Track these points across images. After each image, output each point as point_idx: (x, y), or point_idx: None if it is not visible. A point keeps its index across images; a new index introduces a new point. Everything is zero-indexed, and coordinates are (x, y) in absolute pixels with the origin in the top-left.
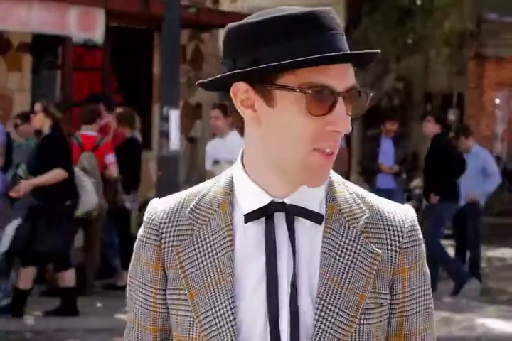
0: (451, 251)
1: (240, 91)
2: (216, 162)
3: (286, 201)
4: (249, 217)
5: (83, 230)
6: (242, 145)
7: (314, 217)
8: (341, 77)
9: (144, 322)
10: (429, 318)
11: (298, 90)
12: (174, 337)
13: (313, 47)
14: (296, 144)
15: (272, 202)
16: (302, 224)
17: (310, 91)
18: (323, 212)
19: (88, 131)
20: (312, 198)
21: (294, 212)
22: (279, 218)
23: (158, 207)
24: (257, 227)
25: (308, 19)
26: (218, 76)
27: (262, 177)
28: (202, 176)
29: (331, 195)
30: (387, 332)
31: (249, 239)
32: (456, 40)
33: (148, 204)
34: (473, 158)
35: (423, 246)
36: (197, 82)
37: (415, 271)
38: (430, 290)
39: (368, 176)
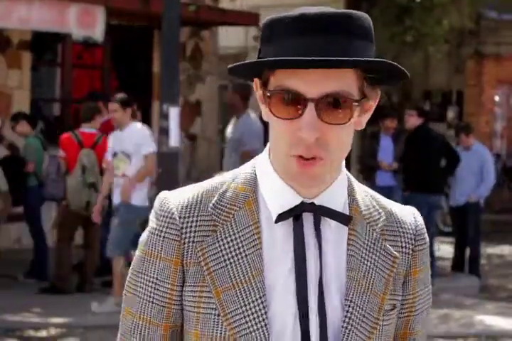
0: (451, 249)
1: (255, 88)
2: (114, 154)
3: (316, 202)
4: (281, 217)
5: (83, 228)
6: (139, 138)
7: (340, 218)
8: (316, 83)
9: (154, 318)
10: (428, 315)
11: (267, 93)
12: (191, 333)
13: (293, 49)
14: (278, 147)
15: (301, 203)
16: (328, 225)
17: (272, 94)
18: (346, 212)
19: (87, 129)
20: (338, 199)
21: (322, 213)
22: (307, 218)
23: (172, 200)
24: (285, 226)
25: (308, 20)
26: (233, 66)
27: (286, 176)
28: (201, 173)
29: (352, 196)
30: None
31: (277, 237)
32: (455, 37)
33: (158, 198)
34: (472, 156)
35: (428, 247)
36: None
37: (425, 272)
38: (431, 290)
39: (368, 173)
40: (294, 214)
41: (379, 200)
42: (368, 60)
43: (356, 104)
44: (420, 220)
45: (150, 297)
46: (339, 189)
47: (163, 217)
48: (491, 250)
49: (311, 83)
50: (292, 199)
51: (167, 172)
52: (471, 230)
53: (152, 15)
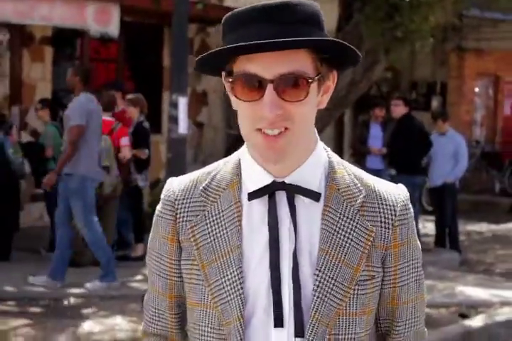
0: (432, 226)
1: (224, 80)
2: None
3: (286, 181)
4: (253, 196)
5: (97, 207)
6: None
7: (312, 195)
8: (270, 65)
9: (161, 289)
10: (420, 289)
11: (230, 79)
12: (188, 302)
13: (245, 36)
14: (244, 127)
15: (273, 182)
16: (302, 202)
17: (234, 80)
18: (322, 190)
19: (106, 117)
20: (311, 178)
21: (293, 191)
22: (281, 196)
23: (174, 185)
24: (262, 204)
25: (258, 11)
26: (196, 61)
27: (259, 158)
28: (207, 157)
29: (331, 175)
30: (380, 302)
31: (254, 215)
32: (439, 33)
33: (166, 183)
34: (448, 141)
35: (413, 222)
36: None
37: (406, 246)
38: (421, 263)
39: (359, 158)
40: (267, 193)
41: (363, 179)
42: (309, 39)
43: (310, 81)
44: (405, 198)
45: (157, 270)
46: (311, 169)
47: (164, 200)
48: (470, 227)
49: (267, 66)
50: (264, 179)
51: (176, 156)
52: (449, 209)
53: (162, 13)
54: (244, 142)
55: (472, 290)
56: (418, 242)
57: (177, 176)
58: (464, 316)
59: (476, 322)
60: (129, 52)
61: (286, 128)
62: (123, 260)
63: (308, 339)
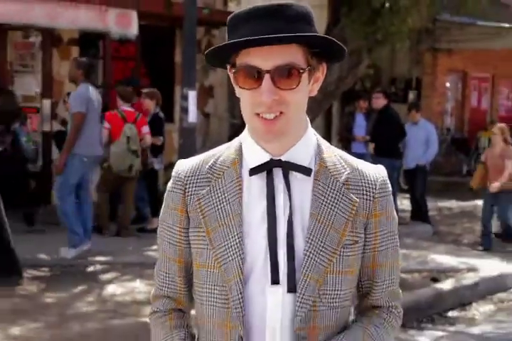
0: (408, 203)
1: (229, 73)
2: None
3: (282, 158)
4: (253, 171)
5: (120, 186)
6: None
7: (304, 171)
8: (267, 58)
9: (171, 255)
10: (396, 254)
11: (233, 70)
12: (195, 265)
13: (246, 33)
14: (245, 112)
15: (271, 160)
16: (295, 177)
17: (237, 71)
18: (312, 167)
19: (128, 108)
20: (303, 156)
21: (288, 167)
22: (278, 172)
23: (183, 165)
24: (260, 179)
25: (258, 11)
26: (205, 54)
27: (256, 138)
28: (213, 143)
29: (319, 155)
30: (362, 265)
31: (254, 188)
32: (415, 35)
33: (176, 164)
34: (419, 129)
35: (391, 197)
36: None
37: (385, 216)
38: (397, 233)
39: (345, 143)
40: (265, 169)
41: (347, 160)
42: (300, 34)
43: (302, 71)
44: (384, 176)
45: (167, 238)
46: (303, 148)
47: (175, 177)
48: (441, 204)
49: (265, 58)
50: (263, 157)
51: (186, 142)
52: (421, 188)
53: (174, 17)
54: (244, 130)
55: (442, 258)
56: (395, 215)
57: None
58: (435, 280)
59: (446, 285)
60: (145, 51)
61: (281, 113)
62: (141, 232)
63: (300, 293)
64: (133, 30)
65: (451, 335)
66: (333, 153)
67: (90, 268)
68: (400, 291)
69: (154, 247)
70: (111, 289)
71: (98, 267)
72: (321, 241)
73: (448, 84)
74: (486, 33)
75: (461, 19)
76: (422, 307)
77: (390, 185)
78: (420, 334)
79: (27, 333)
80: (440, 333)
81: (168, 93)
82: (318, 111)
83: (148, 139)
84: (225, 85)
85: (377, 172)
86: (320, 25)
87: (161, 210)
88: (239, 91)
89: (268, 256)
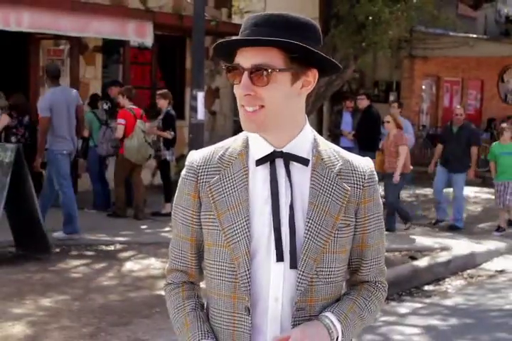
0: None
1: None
2: None
3: (284, 150)
4: (259, 162)
5: (132, 172)
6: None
7: (303, 161)
8: (249, 57)
9: (184, 234)
10: (381, 236)
11: (223, 67)
12: (206, 244)
13: (242, 36)
14: (237, 103)
15: (274, 151)
16: (295, 167)
17: (226, 67)
18: (310, 159)
19: (133, 106)
20: (301, 149)
21: (288, 158)
22: (279, 162)
23: (196, 155)
24: (264, 169)
25: (257, 19)
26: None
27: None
28: (219, 138)
29: (316, 149)
30: (352, 245)
31: (258, 177)
32: (395, 44)
33: (189, 154)
34: None
35: (377, 186)
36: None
37: (373, 202)
38: (382, 216)
39: (334, 139)
40: (269, 160)
41: (340, 152)
42: (275, 39)
43: (271, 71)
44: (372, 167)
45: (181, 220)
46: (302, 142)
47: (188, 166)
48: (418, 191)
49: (246, 58)
50: (266, 149)
51: (195, 137)
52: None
53: (185, 28)
54: None
55: (419, 239)
56: (381, 201)
57: None
58: (413, 258)
59: (422, 262)
60: (160, 58)
61: (262, 106)
62: (155, 215)
63: (300, 270)
64: (149, 39)
65: (427, 306)
66: (328, 147)
67: (110, 247)
68: (385, 268)
69: (167, 229)
70: (129, 266)
71: (118, 246)
72: (319, 225)
73: (424, 87)
74: (456, 42)
75: (435, 30)
76: (401, 282)
77: (376, 175)
78: (400, 306)
79: (56, 305)
80: (418, 305)
81: (180, 94)
82: (311, 110)
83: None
84: (229, 87)
85: (365, 164)
86: None
87: (175, 195)
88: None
89: (272, 236)
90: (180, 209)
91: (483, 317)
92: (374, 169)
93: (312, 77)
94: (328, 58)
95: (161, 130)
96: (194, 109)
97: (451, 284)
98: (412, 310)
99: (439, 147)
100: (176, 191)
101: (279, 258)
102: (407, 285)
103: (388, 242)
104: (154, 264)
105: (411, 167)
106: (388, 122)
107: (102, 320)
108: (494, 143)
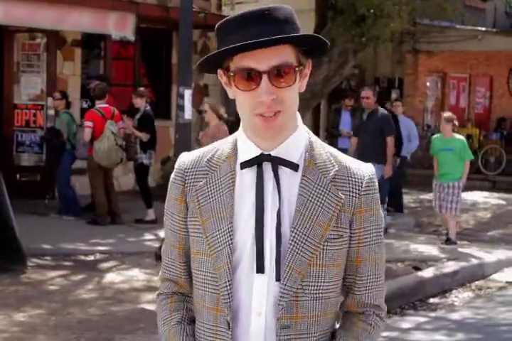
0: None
1: (220, 76)
2: None
3: (272, 153)
4: (244, 165)
5: (105, 177)
6: None
7: (292, 166)
8: (262, 59)
9: (172, 241)
10: (380, 251)
11: (231, 73)
12: (192, 252)
13: (241, 38)
14: (244, 112)
15: (261, 154)
16: (284, 172)
17: (234, 74)
18: (301, 163)
19: (102, 104)
20: (292, 152)
21: (277, 162)
22: (267, 166)
23: (185, 158)
24: (251, 173)
25: (247, 16)
26: (198, 62)
27: (252, 136)
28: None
29: (309, 152)
30: (347, 259)
31: (245, 181)
32: (397, 38)
33: (179, 157)
34: (402, 125)
35: (378, 195)
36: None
37: (370, 213)
38: (382, 230)
39: (331, 139)
40: (255, 163)
41: (337, 157)
42: (294, 35)
43: (297, 69)
44: (371, 174)
45: (170, 226)
46: (294, 145)
47: (176, 169)
48: (422, 196)
49: (261, 60)
50: (254, 152)
51: (182, 137)
52: (397, 179)
53: (171, 20)
54: (238, 125)
55: (424, 248)
56: (381, 212)
57: None
58: (417, 269)
59: (427, 273)
60: (144, 52)
61: (278, 111)
62: (138, 223)
63: (282, 283)
64: (131, 32)
65: (432, 321)
66: (324, 150)
67: (90, 257)
68: (385, 289)
69: (151, 237)
70: (110, 277)
71: (98, 256)
72: (305, 235)
73: (428, 84)
74: (463, 36)
75: (440, 23)
76: (404, 294)
77: (376, 183)
78: (403, 320)
79: (31, 319)
80: (422, 319)
81: (166, 91)
82: (307, 108)
83: (122, 133)
84: (218, 84)
85: (364, 170)
86: (308, 28)
87: (166, 199)
88: (234, 94)
89: (255, 246)
90: (168, 214)
91: (492, 332)
92: (374, 176)
93: (309, 67)
94: (327, 43)
95: (138, 130)
96: (181, 108)
97: (458, 296)
98: (416, 324)
99: (354, 139)
100: (167, 195)
101: (260, 269)
102: (411, 298)
103: (389, 251)
104: (138, 276)
105: None
106: (206, 112)
107: (80, 336)
108: (435, 136)
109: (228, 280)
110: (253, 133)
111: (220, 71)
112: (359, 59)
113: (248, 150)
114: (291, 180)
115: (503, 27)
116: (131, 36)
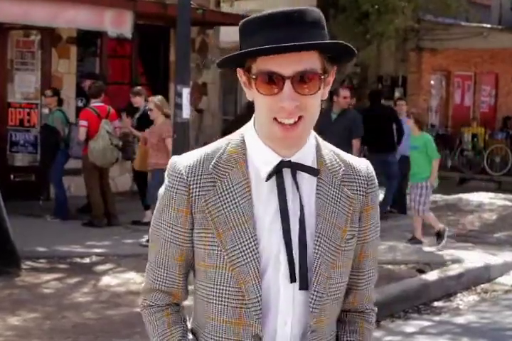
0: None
1: (239, 75)
2: None
3: (292, 159)
4: (269, 177)
5: (100, 177)
6: None
7: (311, 171)
8: (287, 64)
9: (172, 253)
10: (378, 244)
11: (253, 76)
12: (201, 265)
13: (265, 40)
14: (262, 116)
15: (281, 161)
16: (302, 177)
17: (257, 76)
18: (315, 166)
19: (98, 103)
20: (308, 156)
21: (297, 168)
22: (286, 173)
23: (180, 162)
24: (270, 180)
25: (274, 17)
26: (218, 61)
27: (270, 142)
28: (206, 138)
29: (319, 153)
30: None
31: (262, 189)
32: (401, 35)
33: (170, 161)
34: (404, 125)
35: (379, 190)
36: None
37: (375, 209)
38: (379, 222)
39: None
40: (277, 171)
41: (340, 155)
42: (323, 42)
43: (322, 77)
44: (372, 171)
45: (170, 238)
46: (309, 148)
47: (175, 176)
48: None
49: (286, 65)
50: (273, 159)
51: (180, 137)
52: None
53: (169, 17)
54: (238, 125)
55: (428, 250)
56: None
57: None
58: (420, 271)
59: (431, 276)
60: (141, 50)
61: (299, 118)
62: (136, 224)
63: (313, 290)
64: (128, 29)
65: (437, 325)
66: (328, 150)
67: (86, 260)
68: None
69: (150, 244)
70: (106, 280)
71: (94, 259)
72: (328, 239)
73: (432, 82)
74: (468, 33)
75: (444, 20)
76: (408, 298)
77: (376, 179)
78: (407, 324)
79: (25, 323)
80: (426, 323)
81: (163, 90)
82: None
83: (118, 133)
84: (217, 83)
85: (366, 167)
86: None
87: (158, 207)
88: (253, 95)
89: (280, 255)
90: (166, 225)
91: (497, 336)
92: (374, 172)
93: (333, 75)
94: (354, 51)
95: (137, 130)
96: (179, 107)
97: (463, 300)
98: (420, 328)
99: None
100: (159, 204)
101: (293, 279)
102: (415, 302)
103: (393, 254)
104: (134, 278)
105: None
106: (151, 110)
107: (75, 340)
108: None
109: (259, 295)
110: (270, 141)
111: (239, 70)
112: (361, 57)
113: (264, 156)
114: (309, 185)
115: (508, 24)
116: (128, 33)
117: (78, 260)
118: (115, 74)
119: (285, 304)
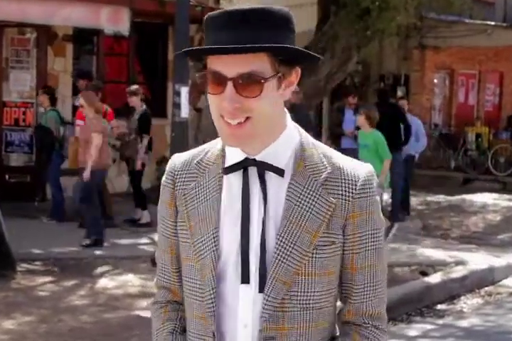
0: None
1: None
2: None
3: (257, 158)
4: (228, 170)
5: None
6: None
7: (277, 171)
8: (232, 65)
9: (164, 246)
10: (379, 256)
11: (204, 73)
12: (182, 259)
13: (217, 40)
14: (212, 112)
15: (245, 159)
16: (271, 177)
17: (206, 74)
18: (290, 167)
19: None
20: (280, 156)
21: (262, 167)
22: (253, 171)
23: (176, 160)
24: (238, 177)
25: (231, 16)
26: (177, 53)
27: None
28: (205, 137)
29: (300, 153)
30: (342, 267)
31: (232, 186)
32: (403, 32)
33: (171, 158)
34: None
35: (376, 198)
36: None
37: (365, 217)
38: (381, 234)
39: (334, 139)
40: (240, 168)
41: (331, 158)
42: (264, 46)
43: (264, 80)
44: (369, 175)
45: (162, 231)
46: (281, 148)
47: (167, 172)
48: (429, 198)
49: (229, 65)
50: (238, 156)
51: (179, 136)
52: (405, 175)
53: (167, 14)
54: None
55: (431, 252)
56: (380, 215)
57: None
58: (423, 274)
59: (434, 278)
60: (138, 48)
61: (247, 118)
62: (133, 226)
63: (266, 294)
64: (125, 27)
65: (440, 328)
66: (316, 151)
67: (83, 262)
68: (385, 297)
69: (146, 241)
70: (103, 283)
71: (91, 261)
72: (291, 243)
73: (435, 81)
74: (472, 30)
75: (447, 17)
76: (411, 301)
77: (374, 185)
78: (409, 328)
79: (20, 327)
80: (429, 326)
81: (162, 89)
82: (310, 106)
83: (116, 133)
84: None
85: (361, 170)
86: (311, 22)
87: (159, 202)
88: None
89: (239, 254)
90: (160, 218)
91: (502, 340)
92: (372, 177)
93: (296, 76)
94: (313, 54)
95: (138, 133)
96: (177, 106)
97: (467, 303)
98: (423, 332)
99: None
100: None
101: (245, 279)
102: (418, 304)
103: (395, 256)
104: (132, 281)
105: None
106: (82, 107)
107: None
108: (360, 131)
109: (212, 289)
110: (223, 139)
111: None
112: (363, 54)
113: (234, 153)
114: (278, 185)
115: None
116: (125, 31)
117: (74, 262)
118: (112, 73)
119: (244, 305)
